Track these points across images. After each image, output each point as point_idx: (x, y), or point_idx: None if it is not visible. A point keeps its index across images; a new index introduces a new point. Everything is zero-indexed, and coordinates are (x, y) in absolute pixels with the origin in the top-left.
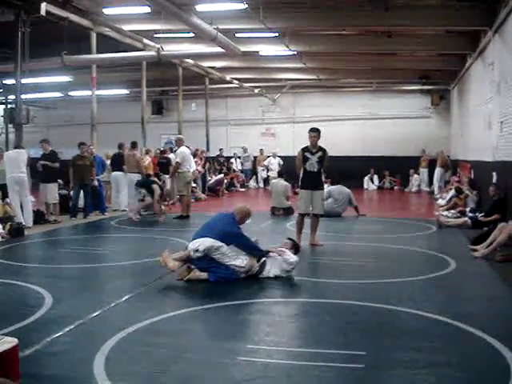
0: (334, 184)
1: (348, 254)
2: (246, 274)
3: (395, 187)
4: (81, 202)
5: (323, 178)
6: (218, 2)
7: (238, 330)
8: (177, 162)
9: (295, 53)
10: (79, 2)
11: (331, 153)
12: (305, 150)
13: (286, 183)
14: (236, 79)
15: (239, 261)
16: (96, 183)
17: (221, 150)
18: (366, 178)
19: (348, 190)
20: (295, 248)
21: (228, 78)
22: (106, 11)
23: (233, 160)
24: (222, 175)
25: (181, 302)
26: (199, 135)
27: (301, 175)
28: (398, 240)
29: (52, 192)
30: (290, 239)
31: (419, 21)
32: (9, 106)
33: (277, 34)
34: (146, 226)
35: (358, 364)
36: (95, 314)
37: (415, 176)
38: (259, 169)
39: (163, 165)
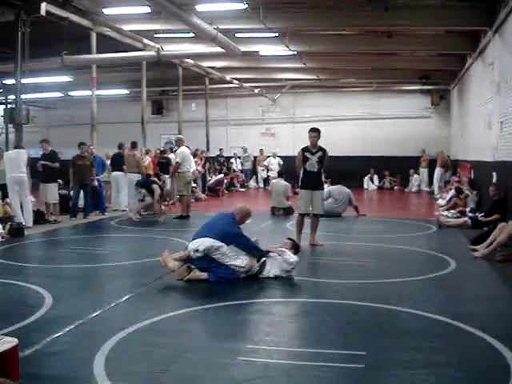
0: (334, 184)
1: (348, 254)
2: (246, 274)
3: (395, 187)
4: (81, 202)
5: (323, 178)
6: (218, 1)
7: (238, 330)
8: (177, 162)
9: (295, 53)
10: (79, 2)
11: (331, 153)
12: (305, 150)
13: (286, 183)
14: (236, 79)
15: (239, 261)
16: (96, 183)
17: (221, 150)
18: (366, 178)
19: (348, 190)
20: (295, 248)
21: (228, 77)
22: (106, 11)
23: (233, 160)
24: (221, 175)
25: (181, 301)
26: (199, 135)
27: (301, 175)
28: (398, 240)
29: (52, 192)
30: (290, 239)
31: (419, 21)
32: (9, 106)
33: (277, 34)
34: (146, 226)
35: (358, 364)
36: (95, 314)
37: (415, 176)
38: (259, 169)
39: (163, 165)
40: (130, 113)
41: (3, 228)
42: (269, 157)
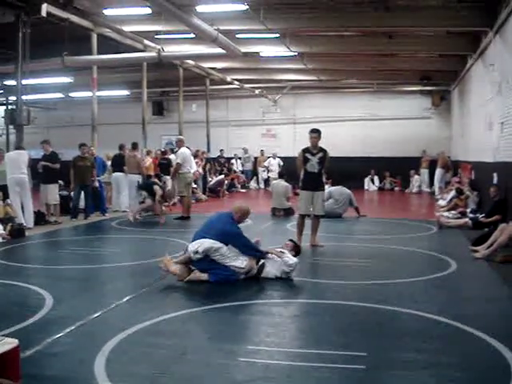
0: (335, 185)
1: (349, 254)
2: (246, 275)
3: (396, 188)
4: (81, 203)
5: (324, 179)
6: (219, 3)
7: (238, 330)
8: (177, 163)
9: (296, 54)
10: (80, 3)
11: (332, 154)
12: (305, 150)
13: (286, 184)
14: (237, 80)
15: (239, 262)
16: (97, 184)
17: (221, 150)
18: (367, 179)
19: (348, 191)
20: (296, 249)
21: (229, 78)
22: (107, 12)
23: (233, 161)
24: (222, 176)
25: (181, 302)
26: (200, 136)
27: (301, 176)
28: (399, 241)
29: (52, 193)
30: (291, 240)
31: (420, 22)
32: (9, 107)
33: (277, 35)
34: (147, 227)
35: (359, 365)
36: (96, 315)
37: (416, 177)
38: (260, 170)
39: (164, 166)
40: (130, 114)
41: (4, 229)
42: (269, 157)
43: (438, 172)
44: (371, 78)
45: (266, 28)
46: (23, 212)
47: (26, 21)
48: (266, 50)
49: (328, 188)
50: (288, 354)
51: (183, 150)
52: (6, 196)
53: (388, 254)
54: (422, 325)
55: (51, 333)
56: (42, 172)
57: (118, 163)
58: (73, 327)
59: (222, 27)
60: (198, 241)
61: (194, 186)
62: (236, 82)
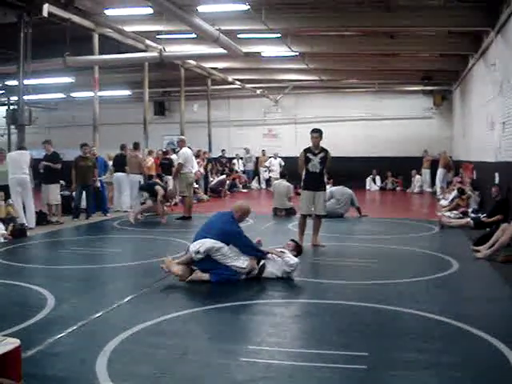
0: (336, 185)
1: (350, 254)
2: (247, 276)
3: (397, 188)
4: (83, 203)
5: (325, 179)
6: (220, 3)
7: (239, 330)
8: (179, 163)
9: (297, 54)
10: (81, 3)
11: (333, 154)
12: (307, 150)
13: (288, 184)
14: (238, 80)
15: (240, 262)
16: (98, 184)
17: (223, 151)
18: (369, 179)
19: (350, 191)
20: (298, 249)
21: (230, 78)
22: (108, 12)
23: (235, 161)
24: (223, 176)
25: (183, 302)
26: (201, 136)
27: (303, 176)
28: (400, 241)
29: (54, 193)
30: (292, 240)
31: (421, 21)
32: (11, 107)
33: (279, 35)
34: (148, 227)
35: (360, 365)
36: (97, 315)
37: (417, 177)
38: (261, 170)
39: (165, 166)
40: (132, 114)
41: (6, 229)
42: (270, 158)
43: (440, 172)
44: (372, 78)
45: (268, 28)
46: (25, 212)
47: (28, 21)
48: (268, 50)
49: (329, 188)
50: (289, 353)
51: (185, 150)
52: (7, 196)
53: (389, 254)
54: (424, 325)
55: (53, 333)
56: (44, 172)
57: (120, 163)
58: (74, 327)
59: (223, 27)
60: (199, 241)
61: (196, 186)
62: (237, 82)
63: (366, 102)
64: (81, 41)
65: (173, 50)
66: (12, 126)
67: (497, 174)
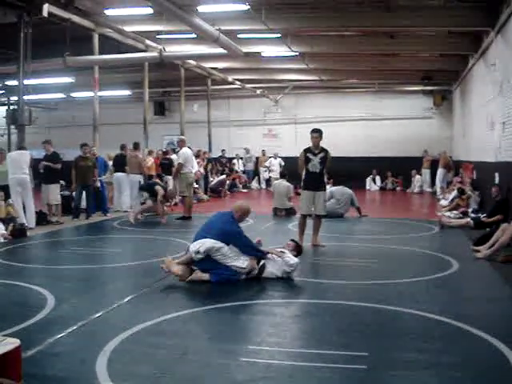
0: (336, 185)
1: (350, 254)
2: (247, 276)
3: (397, 188)
4: (83, 203)
5: (325, 179)
6: (220, 3)
7: (239, 330)
8: (179, 163)
9: (297, 54)
10: (81, 3)
11: (333, 154)
12: (307, 150)
13: (288, 184)
14: (238, 80)
15: (240, 262)
16: (98, 184)
17: (223, 151)
18: (369, 179)
19: (350, 191)
20: (298, 249)
21: (230, 78)
22: (108, 12)
23: (235, 161)
24: (223, 176)
25: (183, 302)
26: (201, 136)
27: (303, 176)
28: (400, 241)
29: (54, 193)
30: (292, 240)
31: (421, 21)
32: (11, 107)
33: (279, 35)
34: (148, 227)
35: (360, 365)
36: (97, 315)
37: (417, 177)
38: (261, 170)
39: (165, 166)
40: (132, 114)
41: (6, 229)
42: (270, 158)
43: (440, 172)
44: (372, 78)
45: (268, 28)
46: (25, 212)
47: (28, 21)
48: (268, 50)
49: (329, 188)
50: (289, 353)
51: (185, 150)
52: (7, 196)
53: (389, 254)
54: (424, 325)
55: (53, 333)
56: (43, 172)
57: (120, 163)
58: (74, 327)
59: (223, 27)
60: (199, 241)
61: (196, 186)
62: (237, 82)
63: (366, 102)
64: (81, 41)
65: (173, 49)
66: (12, 126)
67: (497, 174)
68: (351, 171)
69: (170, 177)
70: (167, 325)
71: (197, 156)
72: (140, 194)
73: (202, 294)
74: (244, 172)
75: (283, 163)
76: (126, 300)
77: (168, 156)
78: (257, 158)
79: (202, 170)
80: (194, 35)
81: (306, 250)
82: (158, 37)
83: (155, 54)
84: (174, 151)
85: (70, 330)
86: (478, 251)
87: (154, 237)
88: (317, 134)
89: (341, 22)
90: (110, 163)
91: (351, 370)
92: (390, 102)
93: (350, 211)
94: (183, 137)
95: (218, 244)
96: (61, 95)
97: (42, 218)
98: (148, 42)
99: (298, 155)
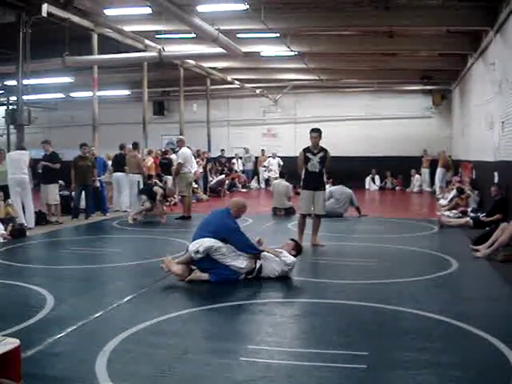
0: (336, 184)
1: (349, 254)
2: (246, 276)
3: (397, 187)
4: (82, 203)
5: (325, 179)
6: (220, 2)
7: (239, 330)
8: (179, 163)
9: (296, 53)
10: (80, 3)
11: (333, 153)
12: (306, 150)
13: (287, 184)
14: (237, 80)
15: (239, 261)
16: (98, 184)
17: (222, 150)
18: (368, 179)
19: (349, 191)
20: (297, 249)
21: (229, 78)
22: (108, 12)
23: (234, 161)
24: (223, 176)
25: (182, 302)
26: (200, 136)
27: (302, 176)
28: (400, 240)
29: (52, 193)
30: (292, 240)
31: (420, 21)
32: (10, 107)
33: (278, 35)
34: (148, 227)
35: (360, 364)
36: (97, 315)
37: (417, 176)
38: (261, 169)
39: (165, 165)
40: (131, 114)
41: (5, 229)
42: (269, 157)
43: (439, 171)
44: (372, 78)
45: (267, 27)
46: (24, 212)
47: (27, 21)
48: (267, 50)
49: (329, 187)
50: (289, 353)
51: (184, 149)
52: (6, 196)
53: (389, 254)
54: (423, 324)
55: (52, 333)
56: (42, 172)
57: (119, 163)
58: (74, 327)
59: (222, 27)
60: (198, 240)
61: (195, 185)
62: (237, 82)
63: (366, 102)
64: (80, 41)
65: (172, 49)
66: (11, 126)
67: (496, 174)
68: (350, 171)
69: (169, 177)
70: (167, 324)
71: (196, 156)
72: (139, 197)
73: (202, 293)
74: (243, 172)
75: (282, 163)
76: (126, 300)
77: (167, 156)
78: (256, 158)
79: (201, 170)
80: (193, 35)
81: (306, 250)
82: (157, 36)
83: (154, 53)
84: (174, 151)
85: (69, 329)
86: (478, 250)
87: (154, 237)
88: (316, 133)
89: (340, 21)
90: (110, 163)
91: (351, 370)
92: (389, 102)
93: (350, 211)
94: (182, 136)
95: (218, 243)
96: (60, 95)
97: (41, 218)
98: (147, 41)
99: (298, 155)
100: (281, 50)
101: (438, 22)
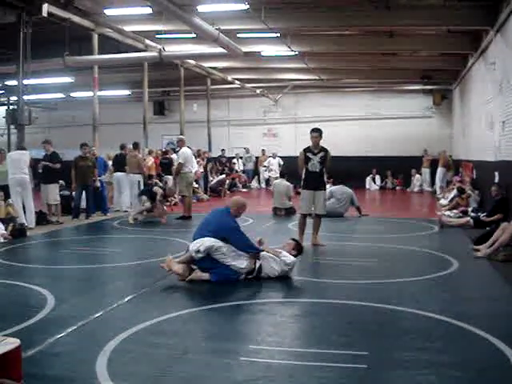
0: (336, 184)
1: (350, 254)
2: (246, 276)
3: (397, 187)
4: (83, 203)
5: (325, 179)
6: (220, 2)
7: (239, 330)
8: (179, 163)
9: (297, 53)
10: (81, 3)
11: (333, 153)
12: (307, 150)
13: (288, 183)
14: (238, 80)
15: (239, 261)
16: (98, 184)
17: (223, 150)
18: (368, 178)
19: (350, 190)
20: (298, 248)
21: (230, 78)
22: (108, 12)
23: (235, 160)
24: (223, 176)
25: (182, 302)
26: (201, 136)
27: (303, 176)
28: (400, 240)
29: (53, 193)
30: (293, 239)
31: (420, 20)
32: (11, 106)
33: (278, 35)
34: (148, 227)
35: (360, 364)
36: (98, 315)
37: (417, 176)
38: (261, 169)
39: (165, 165)
40: (131, 113)
41: (6, 229)
42: (269, 157)
43: (440, 171)
44: (372, 77)
45: (267, 27)
46: (25, 212)
47: (27, 21)
48: (267, 50)
49: (329, 187)
50: (289, 353)
51: (184, 149)
52: (7, 196)
53: (389, 254)
54: (424, 324)
55: (53, 333)
56: (43, 172)
57: (119, 163)
58: (74, 327)
59: (222, 27)
60: (198, 240)
61: (196, 185)
62: (237, 82)
63: (366, 102)
64: (80, 41)
65: (172, 49)
66: (12, 126)
67: (496, 173)
68: (351, 171)
69: (169, 176)
70: (167, 324)
71: (197, 156)
72: (139, 198)
73: (202, 293)
74: (244, 172)
75: (282, 162)
76: (126, 300)
77: (168, 156)
78: (256, 158)
79: (201, 170)
80: (193, 35)
81: (306, 250)
82: (157, 36)
83: (155, 53)
84: (174, 151)
85: (69, 329)
86: (478, 250)
87: (154, 237)
88: (316, 133)
89: (340, 21)
90: (110, 163)
91: (351, 370)
92: (389, 102)
93: (350, 210)
94: (183, 136)
95: (218, 243)
96: (60, 95)
97: (41, 218)
98: (147, 41)
99: (298, 155)
100: (281, 50)
101: (439, 22)
